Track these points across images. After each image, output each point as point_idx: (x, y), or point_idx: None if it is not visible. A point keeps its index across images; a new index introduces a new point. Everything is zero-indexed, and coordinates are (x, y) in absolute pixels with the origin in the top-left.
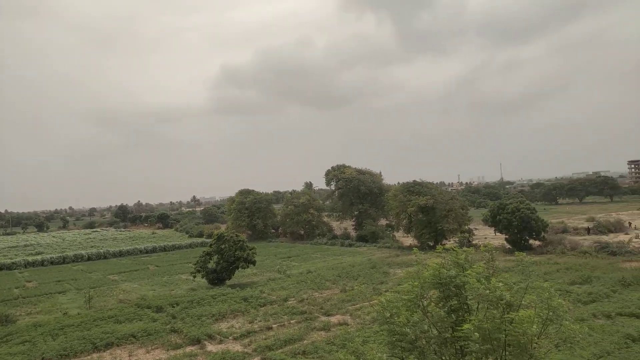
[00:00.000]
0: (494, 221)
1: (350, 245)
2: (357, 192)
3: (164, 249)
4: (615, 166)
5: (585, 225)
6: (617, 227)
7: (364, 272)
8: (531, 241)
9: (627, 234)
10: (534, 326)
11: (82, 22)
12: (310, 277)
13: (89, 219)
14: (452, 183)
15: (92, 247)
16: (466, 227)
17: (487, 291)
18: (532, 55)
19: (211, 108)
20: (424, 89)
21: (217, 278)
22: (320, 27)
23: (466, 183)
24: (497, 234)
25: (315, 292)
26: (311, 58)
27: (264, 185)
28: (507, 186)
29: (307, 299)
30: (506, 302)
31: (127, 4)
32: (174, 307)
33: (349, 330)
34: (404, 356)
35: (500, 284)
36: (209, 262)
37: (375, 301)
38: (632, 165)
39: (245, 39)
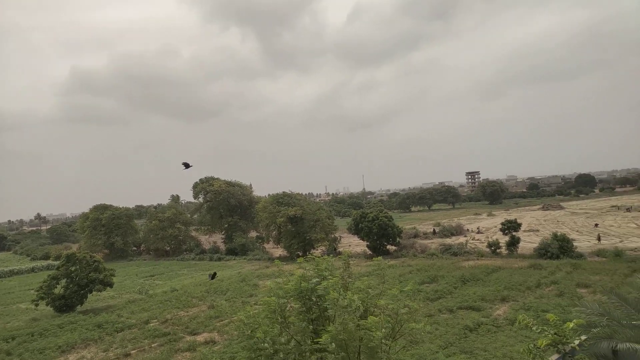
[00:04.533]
0: (356, 229)
1: (219, 259)
2: (226, 205)
3: None
4: (457, 177)
5: (432, 229)
6: (458, 230)
7: (234, 286)
8: (389, 246)
9: (465, 236)
10: (382, 331)
11: None
12: (176, 296)
13: None
14: (319, 194)
15: None
16: (332, 235)
17: (345, 302)
18: (384, 78)
19: (61, 116)
20: (290, 104)
21: (65, 305)
22: (184, 37)
23: (333, 194)
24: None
25: (180, 311)
26: (175, 68)
27: (125, 199)
28: (369, 196)
29: (171, 319)
30: (361, 312)
31: None
32: (8, 342)
33: (215, 348)
34: None
35: (356, 297)
36: (56, 287)
37: (236, 318)
38: (469, 176)
39: (100, 43)
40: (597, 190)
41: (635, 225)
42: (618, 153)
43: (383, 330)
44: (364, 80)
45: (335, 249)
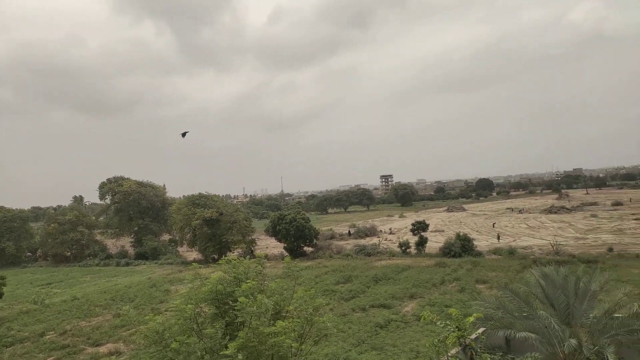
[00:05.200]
0: (274, 231)
1: (127, 264)
2: (137, 206)
3: None
4: (372, 180)
5: (348, 230)
6: (372, 231)
7: (142, 293)
8: (305, 247)
9: (378, 237)
10: (292, 335)
11: None
12: (77, 305)
13: None
14: (237, 196)
15: None
16: (249, 237)
17: (254, 307)
18: (304, 81)
19: None
20: (208, 102)
21: None
22: (91, 27)
23: (251, 195)
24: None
25: (82, 321)
26: (81, 59)
27: (20, 200)
28: (287, 198)
29: (70, 330)
30: (272, 314)
31: None
32: None
33: (120, 359)
34: None
35: (267, 300)
36: None
37: (143, 328)
38: (383, 180)
39: None
40: (494, 194)
41: (526, 226)
42: (512, 159)
43: (293, 334)
44: (284, 83)
45: (252, 252)
